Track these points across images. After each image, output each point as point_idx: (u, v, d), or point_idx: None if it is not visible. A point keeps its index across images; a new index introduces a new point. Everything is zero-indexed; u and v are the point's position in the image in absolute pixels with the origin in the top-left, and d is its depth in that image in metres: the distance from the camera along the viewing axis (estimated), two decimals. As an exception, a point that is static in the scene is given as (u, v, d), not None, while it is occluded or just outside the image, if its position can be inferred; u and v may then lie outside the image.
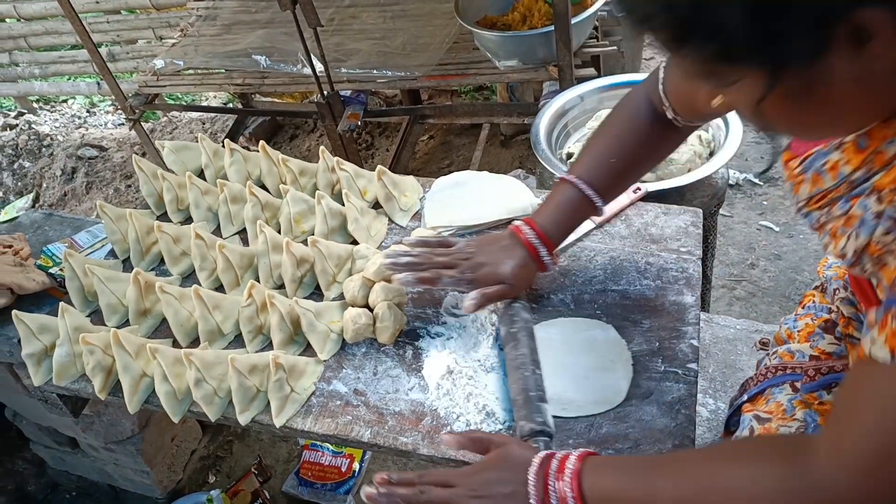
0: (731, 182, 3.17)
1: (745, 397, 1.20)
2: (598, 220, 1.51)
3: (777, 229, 2.95)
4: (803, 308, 1.28)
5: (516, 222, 1.30)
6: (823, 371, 1.09)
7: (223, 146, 1.77)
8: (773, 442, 0.91)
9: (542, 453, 0.98)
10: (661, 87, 1.17)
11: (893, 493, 0.73)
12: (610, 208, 1.53)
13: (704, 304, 2.18)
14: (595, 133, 1.30)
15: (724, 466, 0.85)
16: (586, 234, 1.51)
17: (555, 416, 1.17)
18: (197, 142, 1.80)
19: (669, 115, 1.18)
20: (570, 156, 1.98)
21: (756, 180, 3.19)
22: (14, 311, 1.45)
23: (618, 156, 1.24)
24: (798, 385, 1.11)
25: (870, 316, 0.75)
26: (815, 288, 1.30)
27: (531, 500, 0.93)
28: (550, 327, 1.34)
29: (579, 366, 1.27)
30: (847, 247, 0.84)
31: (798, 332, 1.22)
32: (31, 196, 4.06)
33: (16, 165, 4.32)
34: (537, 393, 1.16)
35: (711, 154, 1.90)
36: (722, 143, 1.83)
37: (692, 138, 1.90)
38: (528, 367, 1.20)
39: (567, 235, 1.32)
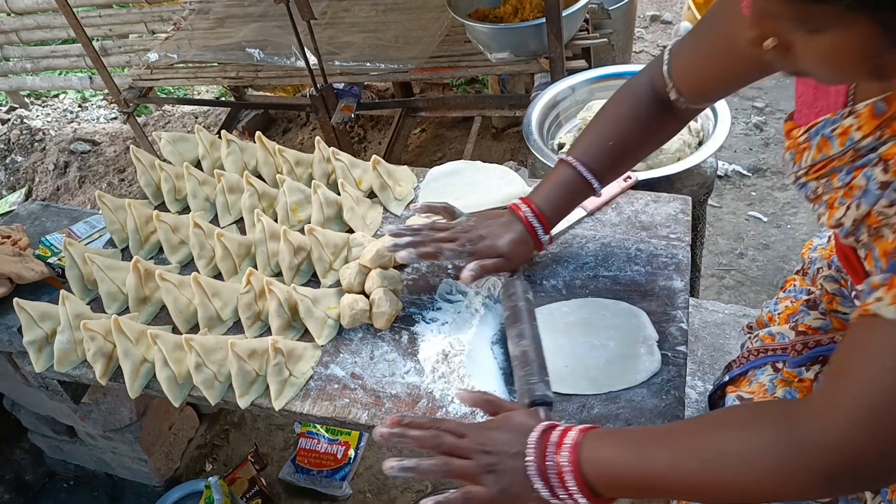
0: (720, 173, 3.21)
1: (727, 377, 1.23)
2: (590, 207, 1.54)
3: (765, 219, 2.99)
4: (784, 292, 1.31)
5: (514, 200, 1.33)
6: (811, 345, 1.11)
7: (220, 137, 1.80)
8: (765, 405, 0.93)
9: (544, 423, 1.00)
10: (665, 68, 1.18)
11: (885, 448, 0.74)
12: (601, 196, 1.56)
13: (694, 293, 2.21)
14: (596, 116, 1.32)
15: (719, 431, 0.87)
16: (578, 222, 1.53)
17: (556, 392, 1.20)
18: (192, 134, 1.82)
19: (673, 96, 1.19)
20: (561, 146, 2.00)
21: (745, 171, 3.23)
22: (15, 299, 1.47)
23: (616, 139, 1.27)
24: (779, 366, 1.14)
25: (872, 281, 0.75)
26: (797, 272, 1.33)
27: (528, 466, 0.95)
28: (582, 307, 1.37)
29: (606, 345, 1.29)
30: (846, 216, 0.85)
31: (778, 314, 1.25)
32: (23, 190, 4.06)
33: (8, 160, 4.31)
34: (538, 364, 1.19)
35: (700, 144, 1.93)
36: (710, 133, 1.86)
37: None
38: (528, 341, 1.22)
39: (564, 215, 1.34)
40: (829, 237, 1.27)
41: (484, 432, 1.01)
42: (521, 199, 1.32)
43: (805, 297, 1.24)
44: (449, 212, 1.39)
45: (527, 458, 0.95)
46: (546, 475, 0.94)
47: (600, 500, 0.93)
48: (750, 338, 1.27)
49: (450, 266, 1.50)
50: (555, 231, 1.49)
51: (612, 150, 1.27)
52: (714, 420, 0.92)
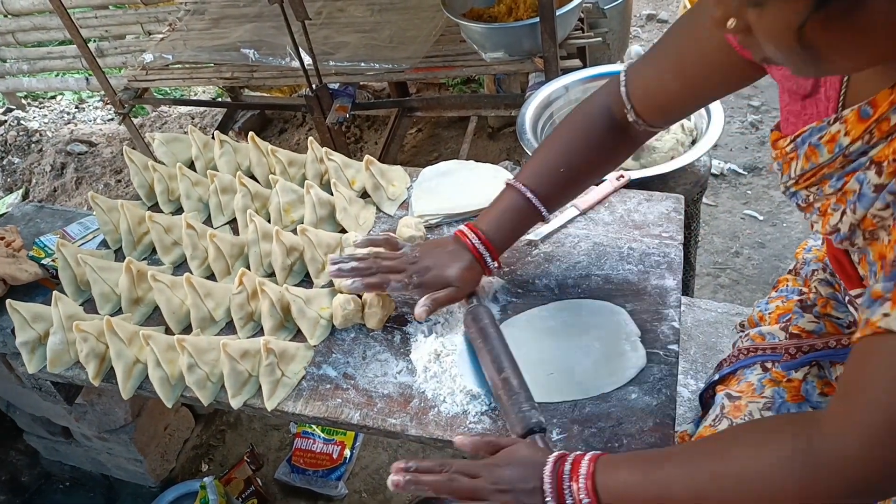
0: (715, 172, 3.22)
1: (717, 376, 1.23)
2: (582, 206, 1.54)
3: (761, 218, 2.99)
4: (776, 291, 1.31)
5: (461, 227, 1.32)
6: (805, 349, 1.11)
7: (213, 138, 1.80)
8: (779, 421, 0.92)
9: (554, 454, 1.00)
10: (623, 90, 1.16)
11: None
12: (594, 196, 1.57)
13: (689, 291, 2.21)
14: (548, 139, 1.30)
15: (734, 451, 0.86)
16: (570, 221, 1.54)
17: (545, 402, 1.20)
18: (187, 134, 1.82)
19: (631, 118, 1.17)
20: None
21: (740, 170, 3.23)
22: (8, 301, 1.47)
23: (567, 166, 1.24)
24: (768, 366, 1.14)
25: (873, 290, 0.74)
26: (790, 272, 1.33)
27: (547, 499, 0.96)
28: (562, 306, 1.37)
29: (591, 346, 1.29)
30: (842, 221, 0.84)
31: (769, 314, 1.25)
32: (20, 192, 4.06)
33: (5, 162, 4.32)
34: (524, 391, 1.18)
35: (694, 142, 1.94)
36: (704, 132, 1.87)
37: (675, 127, 1.94)
38: (508, 367, 1.21)
39: (512, 242, 1.32)
40: (823, 240, 1.27)
41: (495, 470, 1.01)
42: (468, 225, 1.30)
43: (797, 298, 1.23)
44: (391, 244, 1.37)
45: (545, 495, 0.96)
46: None
47: None
48: (741, 337, 1.27)
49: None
50: (548, 229, 1.50)
51: (562, 177, 1.25)
52: (728, 440, 0.91)
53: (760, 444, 0.84)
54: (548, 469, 0.98)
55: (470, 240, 1.28)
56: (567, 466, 0.97)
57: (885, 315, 0.71)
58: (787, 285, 1.31)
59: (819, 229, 0.91)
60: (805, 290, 1.24)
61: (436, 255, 1.30)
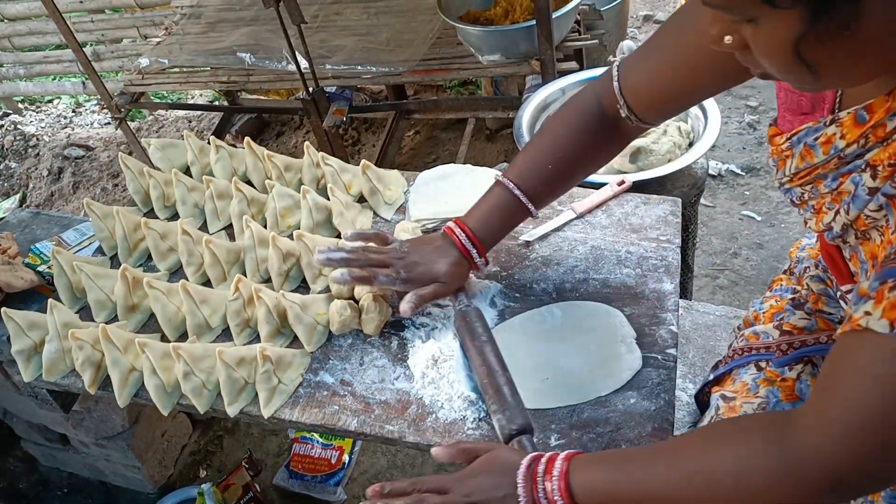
0: (713, 173, 3.21)
1: (712, 377, 1.22)
2: (580, 210, 1.54)
3: (759, 219, 2.99)
4: (771, 291, 1.31)
5: (449, 223, 1.32)
6: (796, 345, 1.11)
7: (209, 143, 1.79)
8: (751, 419, 0.93)
9: (529, 456, 1.00)
10: (616, 84, 1.15)
11: (876, 462, 0.74)
12: (593, 199, 1.56)
13: (687, 293, 2.21)
14: (537, 135, 1.30)
15: (709, 449, 0.87)
16: (566, 224, 1.53)
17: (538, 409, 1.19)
18: (183, 139, 1.82)
19: (624, 113, 1.16)
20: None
21: (738, 171, 3.23)
22: (3, 309, 1.46)
23: (555, 163, 1.24)
24: (762, 365, 1.13)
25: (860, 288, 0.75)
26: (784, 272, 1.33)
27: (521, 502, 0.95)
28: (557, 309, 1.36)
29: (586, 348, 1.29)
30: (835, 221, 0.85)
31: (763, 313, 1.25)
32: (17, 196, 4.05)
33: (2, 166, 4.31)
34: (509, 392, 1.18)
35: (691, 144, 1.93)
36: (701, 134, 1.86)
37: (672, 129, 1.93)
38: (497, 368, 1.21)
39: (499, 238, 1.33)
40: (817, 237, 1.27)
41: (467, 481, 1.01)
42: (455, 221, 1.31)
43: (790, 296, 1.23)
44: (381, 238, 1.37)
45: (518, 498, 0.95)
46: None
47: None
48: (736, 337, 1.27)
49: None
50: (542, 230, 1.50)
51: (551, 174, 1.25)
52: (702, 438, 0.91)
53: (735, 442, 0.85)
54: (521, 471, 0.97)
55: (457, 236, 1.28)
56: (541, 467, 0.97)
57: (867, 313, 0.72)
58: (782, 284, 1.31)
59: (812, 226, 0.91)
60: (798, 288, 1.24)
61: (424, 251, 1.31)
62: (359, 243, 1.37)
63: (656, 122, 1.23)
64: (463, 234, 1.28)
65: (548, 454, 0.99)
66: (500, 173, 1.66)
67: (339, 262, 1.31)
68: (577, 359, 1.27)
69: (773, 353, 1.15)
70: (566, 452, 0.98)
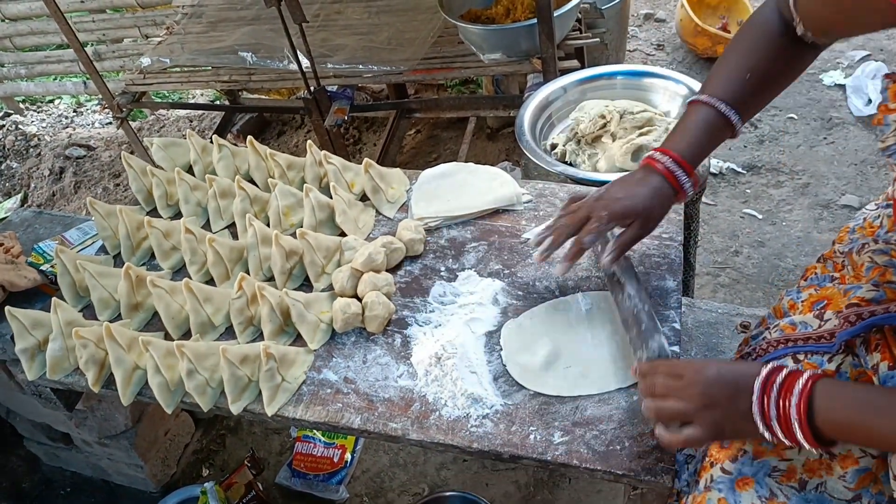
0: (714, 171, 3.21)
1: None
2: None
3: (760, 217, 2.99)
4: (806, 280, 1.28)
5: (648, 153, 1.26)
6: (865, 316, 1.08)
7: (211, 142, 1.79)
8: None
9: (770, 366, 0.96)
10: (791, 1, 1.12)
11: None
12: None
13: (689, 291, 2.21)
14: (725, 52, 1.25)
15: None
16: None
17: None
18: (184, 139, 1.82)
19: (800, 31, 1.13)
20: (553, 146, 2.00)
21: (739, 169, 3.23)
22: (7, 308, 1.47)
23: (753, 70, 1.18)
24: (800, 357, 1.10)
25: None
26: (818, 260, 1.30)
27: (754, 411, 0.93)
28: (584, 297, 1.40)
29: (611, 338, 1.33)
30: None
31: (802, 302, 1.22)
32: (19, 196, 4.06)
33: (3, 166, 4.31)
34: (652, 323, 1.21)
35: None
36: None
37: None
38: (638, 305, 1.24)
39: (703, 158, 1.25)
40: (865, 218, 1.25)
41: (695, 374, 1.00)
42: (656, 149, 1.25)
43: (829, 286, 1.21)
44: (574, 199, 1.33)
45: (752, 401, 0.93)
46: (769, 420, 0.92)
47: (822, 446, 0.91)
48: (769, 329, 1.23)
49: (442, 268, 1.50)
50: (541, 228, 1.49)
51: (751, 83, 1.19)
52: None
53: None
54: (759, 381, 0.94)
55: (659, 161, 1.22)
56: (779, 378, 0.93)
57: None
58: (817, 273, 1.28)
59: None
60: (836, 275, 1.22)
61: (623, 183, 1.26)
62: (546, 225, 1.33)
63: (829, 43, 1.18)
64: (666, 157, 1.21)
65: (788, 368, 0.95)
66: (502, 172, 1.67)
67: (545, 246, 1.28)
68: (601, 349, 1.30)
69: (812, 346, 1.11)
70: (810, 372, 0.93)
